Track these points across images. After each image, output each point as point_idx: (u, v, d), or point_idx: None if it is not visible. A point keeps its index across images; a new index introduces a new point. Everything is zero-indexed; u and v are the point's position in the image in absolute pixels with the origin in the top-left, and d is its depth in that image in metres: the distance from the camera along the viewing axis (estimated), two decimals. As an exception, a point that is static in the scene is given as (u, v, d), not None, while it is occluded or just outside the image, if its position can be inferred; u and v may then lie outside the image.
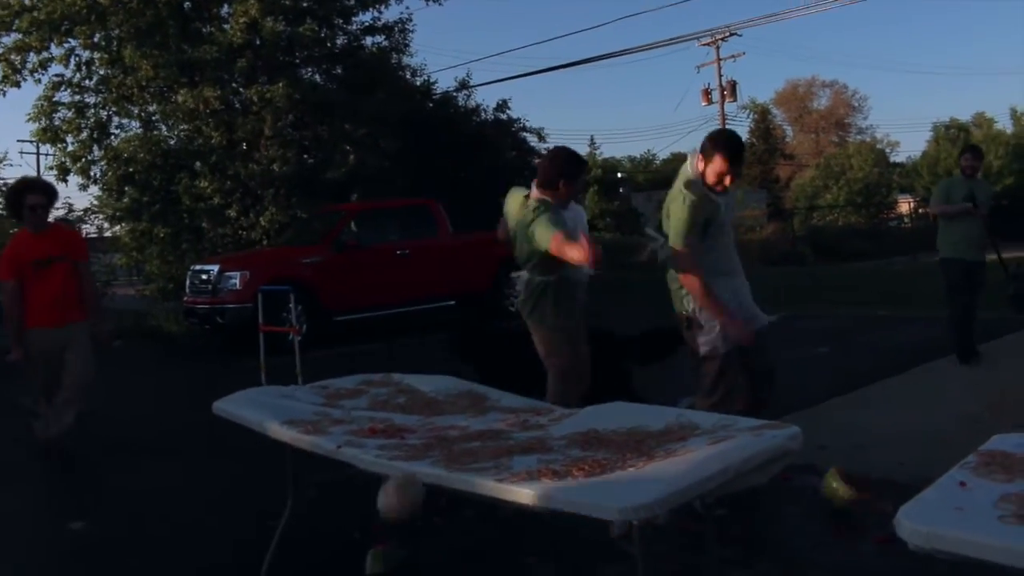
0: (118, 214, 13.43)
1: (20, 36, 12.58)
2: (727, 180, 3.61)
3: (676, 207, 3.63)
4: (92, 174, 13.13)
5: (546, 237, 3.57)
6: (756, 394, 3.82)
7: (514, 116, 16.87)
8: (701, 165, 3.62)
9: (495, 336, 5.04)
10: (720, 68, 32.12)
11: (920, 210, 32.04)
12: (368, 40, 14.49)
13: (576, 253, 3.39)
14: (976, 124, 39.75)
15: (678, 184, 3.71)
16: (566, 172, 3.78)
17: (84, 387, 5.06)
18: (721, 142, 3.62)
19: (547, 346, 3.91)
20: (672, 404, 3.53)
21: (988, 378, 5.84)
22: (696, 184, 3.64)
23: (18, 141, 52.37)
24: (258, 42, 12.39)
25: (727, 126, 31.70)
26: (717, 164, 3.56)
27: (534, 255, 3.77)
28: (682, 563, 3.03)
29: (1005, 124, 37.62)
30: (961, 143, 29.26)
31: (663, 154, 46.82)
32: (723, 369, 3.68)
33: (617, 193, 34.38)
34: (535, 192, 3.81)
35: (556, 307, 3.84)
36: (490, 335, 5.06)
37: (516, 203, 3.96)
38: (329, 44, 13.66)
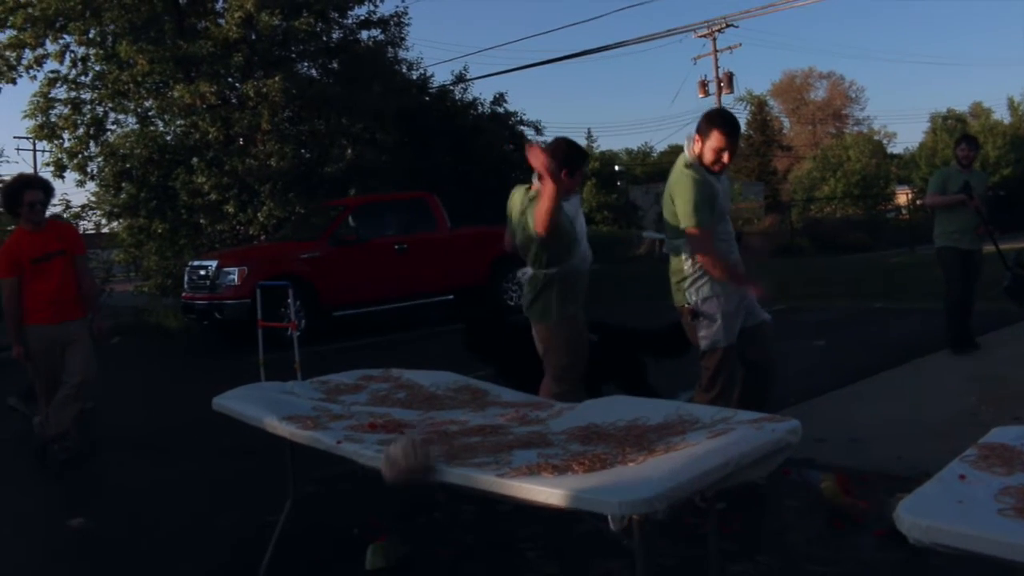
0: (115, 210, 13.41)
1: (15, 33, 12.54)
2: (725, 156, 3.56)
3: (682, 188, 3.57)
4: (89, 170, 13.12)
5: (534, 218, 3.56)
6: (755, 389, 3.81)
7: (511, 109, 16.90)
8: (698, 147, 3.60)
9: (506, 328, 4.92)
10: (717, 60, 32.06)
11: (918, 201, 32.03)
12: (364, 34, 14.50)
13: (545, 206, 3.44)
14: (973, 114, 39.77)
15: (678, 166, 3.67)
16: (567, 162, 3.73)
17: (84, 384, 5.04)
18: (717, 117, 3.62)
19: (548, 342, 3.85)
20: (672, 398, 3.55)
21: (986, 371, 5.85)
22: (696, 166, 3.62)
23: (15, 138, 52.23)
24: (253, 37, 12.37)
25: (724, 118, 31.61)
26: (715, 139, 3.53)
27: (532, 243, 3.75)
28: (682, 557, 3.03)
29: (1003, 114, 37.64)
30: (958, 133, 29.26)
31: (660, 146, 46.80)
32: (722, 363, 3.67)
33: (615, 186, 34.35)
34: (536, 183, 3.77)
35: (560, 300, 3.78)
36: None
37: (517, 198, 3.93)
38: (325, 38, 13.64)
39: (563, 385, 3.78)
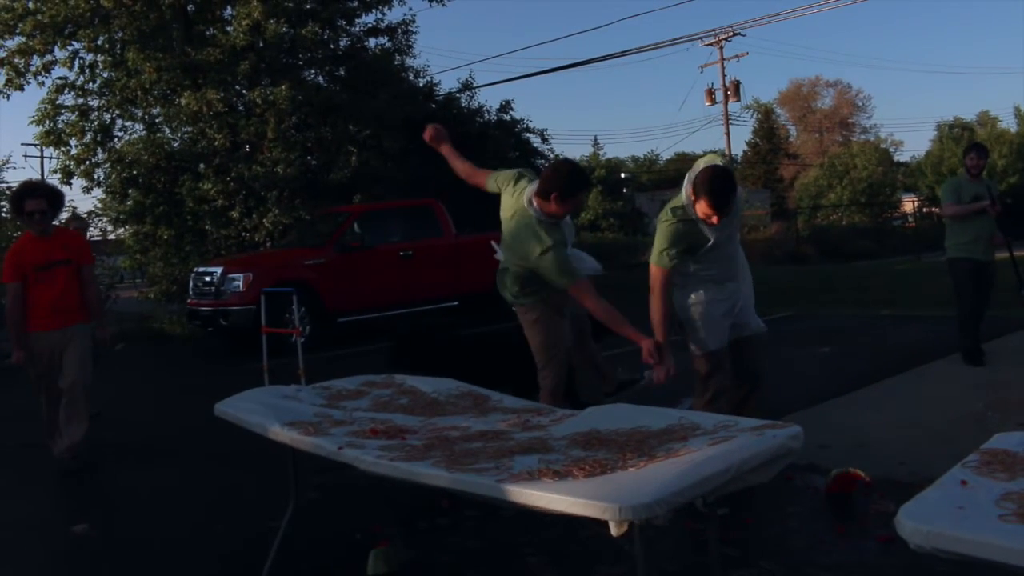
0: (122, 217, 13.44)
1: (24, 39, 12.60)
2: (713, 219, 3.55)
3: (659, 227, 3.69)
4: (96, 177, 13.15)
5: (567, 279, 3.62)
6: (742, 398, 3.86)
7: (517, 117, 16.87)
8: (692, 196, 3.57)
9: (435, 344, 5.02)
10: (724, 68, 32.12)
11: (924, 209, 32.01)
12: (371, 41, 14.51)
13: (611, 321, 3.51)
14: (980, 123, 39.72)
15: (667, 208, 3.71)
16: (563, 188, 3.67)
17: (82, 388, 5.01)
18: (707, 187, 3.45)
19: (521, 320, 4.06)
20: (673, 405, 3.55)
21: (991, 377, 5.82)
22: (681, 210, 3.62)
23: (22, 144, 52.34)
24: (261, 44, 12.40)
25: (731, 126, 31.69)
26: (703, 206, 3.50)
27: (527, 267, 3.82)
28: (683, 563, 3.03)
29: (1009, 123, 37.56)
30: (965, 142, 29.20)
31: (667, 154, 46.93)
32: (713, 367, 3.74)
33: (621, 193, 34.40)
34: (535, 198, 3.74)
35: (526, 283, 3.93)
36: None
37: (512, 193, 3.91)
38: (332, 46, 13.67)
39: (542, 359, 3.96)
